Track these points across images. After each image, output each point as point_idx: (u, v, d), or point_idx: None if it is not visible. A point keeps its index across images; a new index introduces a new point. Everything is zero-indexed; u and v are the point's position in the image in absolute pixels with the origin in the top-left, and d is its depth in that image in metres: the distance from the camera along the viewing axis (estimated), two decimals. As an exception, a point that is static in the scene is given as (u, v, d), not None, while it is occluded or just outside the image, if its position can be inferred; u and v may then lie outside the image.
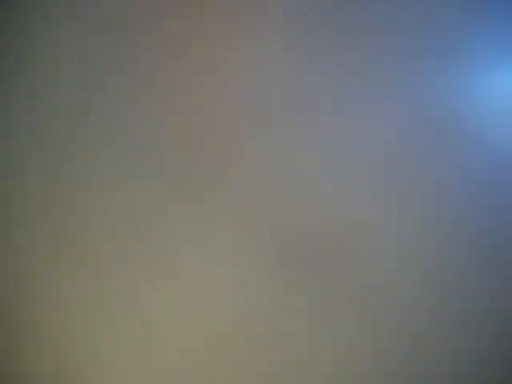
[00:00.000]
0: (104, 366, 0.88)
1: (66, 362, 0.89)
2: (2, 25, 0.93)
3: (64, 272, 0.89)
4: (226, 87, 0.89)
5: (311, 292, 0.86)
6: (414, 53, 0.86)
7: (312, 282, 0.86)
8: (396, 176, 0.86)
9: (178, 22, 0.90)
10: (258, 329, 0.87)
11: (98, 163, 0.90)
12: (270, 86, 0.88)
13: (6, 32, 0.92)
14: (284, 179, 0.87)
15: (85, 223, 0.89)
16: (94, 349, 0.89)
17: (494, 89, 0.85)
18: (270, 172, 0.87)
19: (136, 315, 0.88)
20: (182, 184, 0.89)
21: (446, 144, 0.86)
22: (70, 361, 0.89)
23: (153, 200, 0.89)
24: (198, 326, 0.87)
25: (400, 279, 0.85)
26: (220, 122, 0.89)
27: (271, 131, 0.88)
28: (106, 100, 0.90)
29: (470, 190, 0.85)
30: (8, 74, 0.92)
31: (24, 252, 0.90)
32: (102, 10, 0.91)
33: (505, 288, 0.84)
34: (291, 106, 0.88)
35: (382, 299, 0.85)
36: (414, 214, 0.85)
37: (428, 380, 0.85)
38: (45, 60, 0.92)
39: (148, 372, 0.88)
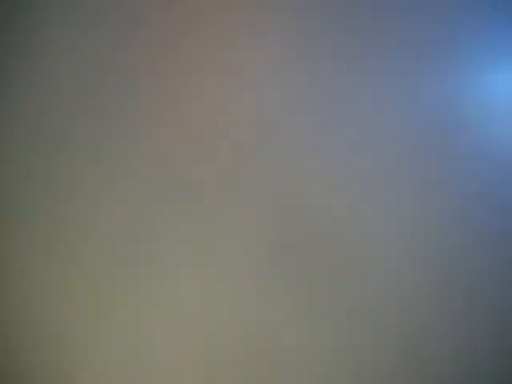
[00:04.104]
0: (103, 365, 0.88)
1: (65, 361, 0.89)
2: (2, 25, 0.93)
3: (64, 272, 0.89)
4: (227, 87, 0.89)
5: (311, 292, 0.86)
6: (414, 53, 0.86)
7: (312, 282, 0.86)
8: (397, 177, 0.86)
9: (179, 22, 0.90)
10: (258, 328, 0.87)
11: (97, 163, 0.90)
12: (271, 86, 0.88)
13: (6, 32, 0.92)
14: (284, 180, 0.87)
15: (84, 223, 0.89)
16: (94, 348, 0.89)
17: (494, 89, 0.85)
18: (270, 172, 0.87)
19: (136, 315, 0.88)
20: (181, 184, 0.89)
21: (446, 144, 0.86)
22: (69, 360, 0.89)
23: (153, 200, 0.89)
24: (198, 326, 0.87)
25: (400, 280, 0.85)
26: (220, 122, 0.89)
27: (271, 131, 0.88)
28: (106, 100, 0.90)
29: (471, 190, 0.85)
30: (8, 74, 0.92)
31: (24, 252, 0.90)
32: (102, 10, 0.91)
33: (507, 289, 0.84)
34: (292, 107, 0.88)
35: (382, 299, 0.85)
36: (415, 214, 0.85)
37: (427, 380, 0.85)
38: (45, 60, 0.92)
39: (148, 371, 0.88)
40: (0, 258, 0.91)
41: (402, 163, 0.86)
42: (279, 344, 0.86)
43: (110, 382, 0.88)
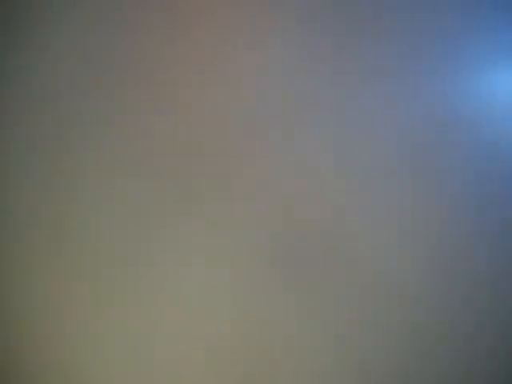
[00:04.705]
0: (103, 365, 0.88)
1: (65, 361, 0.89)
2: (2, 25, 0.93)
3: (64, 272, 0.89)
4: (227, 88, 0.89)
5: (311, 292, 0.86)
6: (414, 53, 0.86)
7: (312, 282, 0.86)
8: (396, 176, 0.86)
9: (179, 21, 0.90)
10: (258, 328, 0.87)
11: (97, 163, 0.90)
12: (271, 86, 0.88)
13: (6, 32, 0.92)
14: (284, 180, 0.87)
15: (84, 223, 0.89)
16: (94, 348, 0.89)
17: (494, 88, 0.85)
18: (270, 173, 0.87)
19: (136, 314, 0.88)
20: (181, 184, 0.89)
21: (446, 144, 0.86)
22: (69, 360, 0.89)
23: (153, 201, 0.89)
24: (197, 326, 0.87)
25: (399, 279, 0.85)
26: (220, 122, 0.89)
27: (271, 132, 0.88)
28: (106, 100, 0.90)
29: (470, 189, 0.85)
30: (8, 74, 0.92)
31: (24, 252, 0.90)
32: (102, 10, 0.91)
33: (507, 289, 0.84)
34: (292, 107, 0.88)
35: (382, 299, 0.85)
36: (415, 214, 0.85)
37: (427, 380, 0.85)
38: (45, 60, 0.92)
39: (148, 371, 0.88)
40: (0, 259, 0.91)
41: (402, 163, 0.86)
42: (279, 344, 0.86)
43: (110, 382, 0.88)
